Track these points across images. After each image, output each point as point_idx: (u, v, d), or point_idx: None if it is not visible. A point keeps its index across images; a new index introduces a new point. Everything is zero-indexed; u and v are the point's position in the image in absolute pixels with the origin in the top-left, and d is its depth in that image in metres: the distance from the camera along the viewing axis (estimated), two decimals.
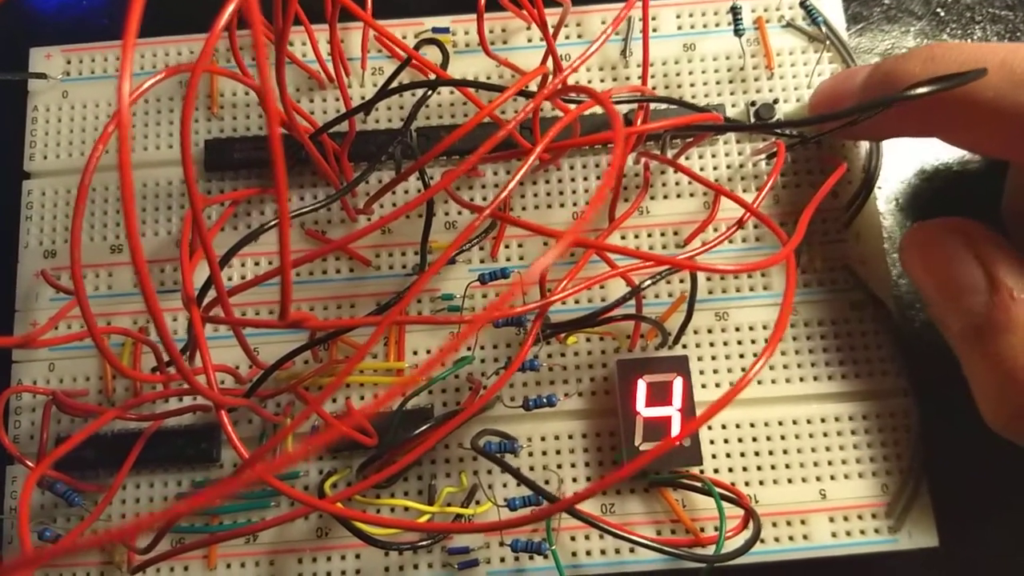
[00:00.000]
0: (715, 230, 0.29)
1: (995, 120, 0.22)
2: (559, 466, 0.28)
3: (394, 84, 0.27)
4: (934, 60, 0.23)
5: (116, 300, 0.29)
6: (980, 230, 0.24)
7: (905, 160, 0.31)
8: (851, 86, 0.27)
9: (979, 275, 0.24)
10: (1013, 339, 0.22)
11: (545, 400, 0.26)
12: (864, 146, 0.30)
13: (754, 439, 0.28)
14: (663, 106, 0.30)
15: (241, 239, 0.24)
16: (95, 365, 0.29)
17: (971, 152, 0.30)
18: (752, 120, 0.30)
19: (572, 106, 0.27)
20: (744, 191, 0.30)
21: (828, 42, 0.31)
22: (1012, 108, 0.22)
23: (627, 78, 0.31)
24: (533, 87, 0.29)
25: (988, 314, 0.23)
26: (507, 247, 0.30)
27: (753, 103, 0.30)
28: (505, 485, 0.27)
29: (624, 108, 0.29)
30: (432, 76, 0.28)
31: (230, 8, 0.19)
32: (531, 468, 0.28)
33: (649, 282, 0.25)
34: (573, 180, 0.30)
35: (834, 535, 0.27)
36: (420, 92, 0.28)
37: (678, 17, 0.31)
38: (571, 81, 0.29)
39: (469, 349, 0.28)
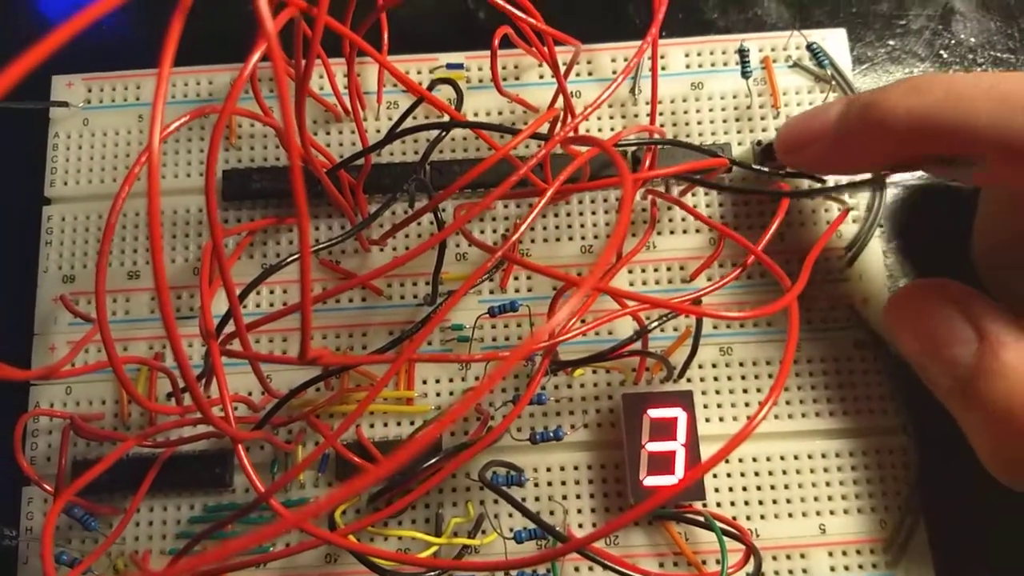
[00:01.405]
0: (720, 266, 0.30)
1: (990, 148, 0.22)
2: (564, 497, 0.28)
3: (408, 121, 0.27)
4: (916, 91, 0.23)
5: (133, 326, 0.30)
6: (956, 285, 0.25)
7: (907, 199, 0.32)
8: (824, 120, 0.26)
9: (962, 327, 0.24)
10: (1003, 384, 0.23)
11: (552, 434, 0.27)
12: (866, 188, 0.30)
13: (756, 474, 0.28)
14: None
15: (261, 272, 0.25)
16: (111, 389, 0.29)
17: (962, 183, 0.30)
18: (758, 159, 0.30)
19: (582, 149, 0.28)
20: (749, 228, 0.30)
21: (834, 82, 0.31)
22: (1007, 134, 0.21)
23: (636, 115, 0.32)
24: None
25: (976, 363, 0.23)
26: (516, 279, 0.30)
27: (759, 142, 0.31)
28: (511, 515, 0.28)
29: (632, 147, 0.30)
30: (445, 116, 0.29)
31: (255, 57, 0.20)
32: (537, 499, 0.28)
33: (656, 323, 0.26)
34: (582, 215, 0.31)
35: (833, 569, 0.27)
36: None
37: (686, 56, 0.32)
38: (582, 123, 0.29)
39: (477, 379, 0.29)
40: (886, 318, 0.27)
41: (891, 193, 0.30)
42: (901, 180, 0.31)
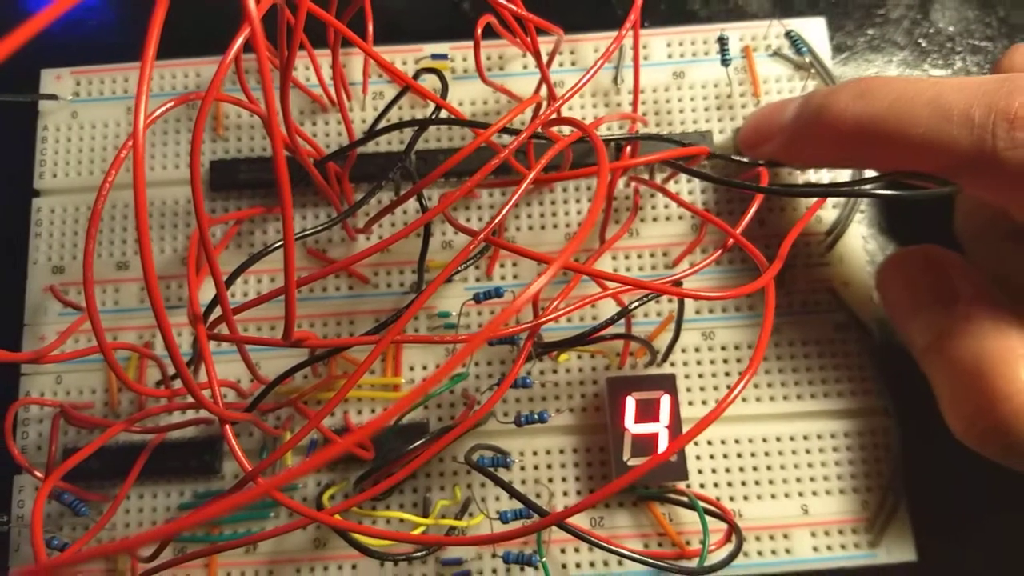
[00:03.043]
0: (702, 251, 0.30)
1: (929, 155, 0.23)
2: (550, 480, 0.28)
3: (393, 111, 0.28)
4: (864, 96, 0.24)
5: (122, 315, 0.30)
6: (939, 250, 0.26)
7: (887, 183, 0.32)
8: (780, 118, 0.27)
9: (941, 288, 0.25)
10: (974, 343, 0.23)
11: (537, 417, 0.27)
12: (847, 172, 0.31)
13: (739, 455, 0.29)
14: (655, 128, 0.32)
15: (247, 259, 0.25)
16: (101, 378, 0.30)
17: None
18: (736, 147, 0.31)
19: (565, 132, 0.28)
20: (731, 213, 0.31)
21: (813, 71, 0.32)
22: (944, 143, 0.22)
23: (618, 104, 0.32)
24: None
25: (951, 322, 0.24)
26: (502, 266, 0.31)
27: (739, 129, 0.31)
28: (498, 498, 0.28)
29: (616, 132, 0.31)
30: (431, 105, 0.29)
31: (238, 42, 0.20)
32: (523, 482, 0.28)
33: (637, 303, 0.26)
34: (565, 202, 0.31)
35: (815, 549, 0.28)
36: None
37: (668, 46, 0.33)
38: (564, 108, 0.30)
39: (464, 365, 0.29)
40: (877, 286, 0.28)
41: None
42: None
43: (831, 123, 0.24)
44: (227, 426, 0.22)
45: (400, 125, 0.27)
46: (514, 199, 0.21)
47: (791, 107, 0.27)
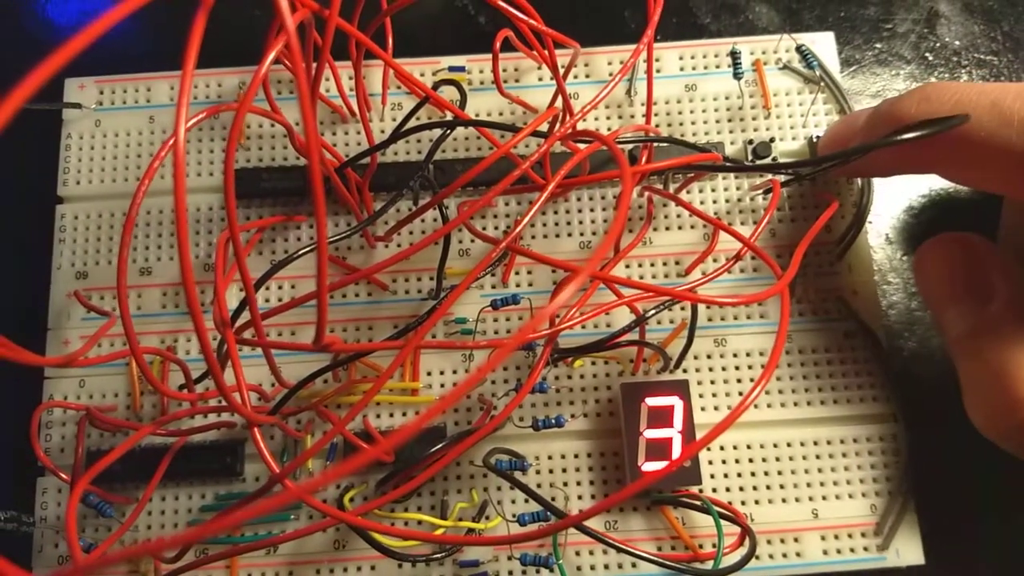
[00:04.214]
0: (715, 260, 0.31)
1: (989, 158, 0.24)
2: (566, 484, 0.29)
3: (412, 122, 0.28)
4: (928, 100, 0.25)
5: (145, 320, 0.31)
6: (979, 241, 0.26)
7: (895, 196, 0.33)
8: (854, 127, 0.28)
9: (983, 280, 0.25)
10: (1000, 345, 0.24)
11: (553, 421, 0.27)
12: (856, 183, 0.31)
13: (751, 460, 0.29)
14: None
15: (275, 264, 0.26)
16: (123, 382, 0.30)
17: (970, 187, 0.32)
18: (749, 158, 0.31)
19: (581, 145, 0.29)
20: (742, 224, 0.31)
21: (823, 84, 0.33)
22: (1004, 146, 0.23)
23: (632, 116, 0.33)
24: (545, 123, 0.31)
25: (989, 319, 0.24)
26: (517, 274, 0.31)
27: (751, 141, 0.32)
28: (514, 501, 0.29)
29: (629, 145, 0.31)
30: (449, 115, 0.30)
31: (272, 53, 0.21)
32: (539, 485, 0.29)
33: (653, 311, 0.27)
34: (580, 211, 0.32)
35: (825, 552, 0.28)
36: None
37: (680, 59, 0.33)
38: (580, 122, 0.30)
39: (492, 371, 0.29)
40: (916, 263, 0.28)
41: (879, 189, 0.31)
42: (888, 180, 0.33)
43: (896, 127, 0.25)
44: (255, 428, 0.22)
45: (428, 126, 0.27)
46: (535, 209, 0.22)
47: (863, 116, 0.27)
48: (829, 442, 0.29)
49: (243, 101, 0.21)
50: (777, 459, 0.29)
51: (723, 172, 0.31)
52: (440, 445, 0.26)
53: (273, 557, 0.28)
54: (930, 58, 0.35)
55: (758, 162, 0.31)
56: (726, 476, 0.29)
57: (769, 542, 0.28)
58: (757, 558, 0.28)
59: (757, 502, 0.29)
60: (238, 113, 0.20)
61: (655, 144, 0.31)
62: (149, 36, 0.36)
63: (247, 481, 0.29)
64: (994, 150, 0.23)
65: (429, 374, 0.30)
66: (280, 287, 0.31)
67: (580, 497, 0.29)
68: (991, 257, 0.26)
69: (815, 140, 0.32)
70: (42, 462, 0.28)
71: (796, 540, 0.28)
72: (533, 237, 0.32)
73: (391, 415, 0.30)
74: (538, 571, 0.28)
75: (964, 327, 0.25)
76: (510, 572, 0.28)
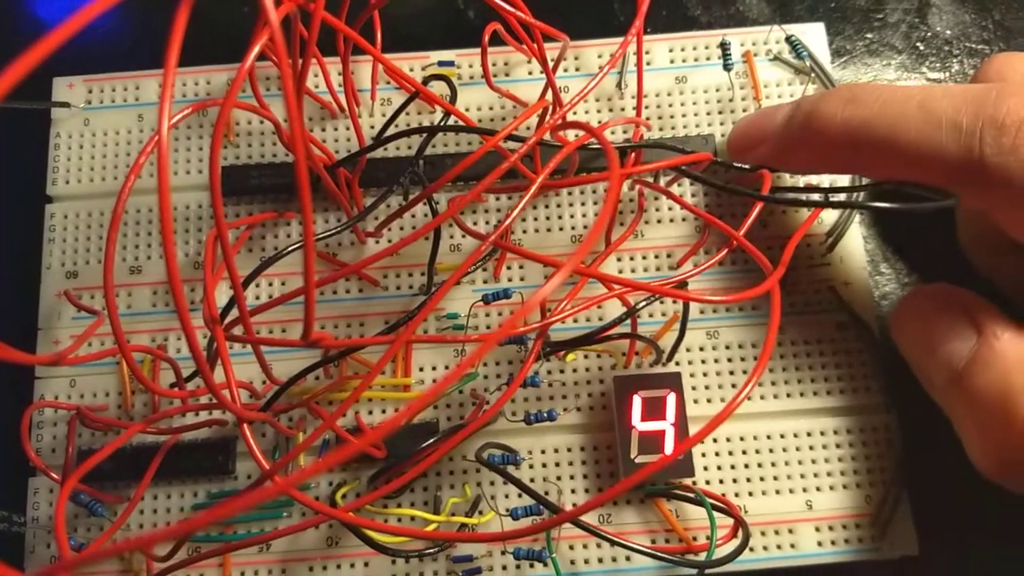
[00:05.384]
0: (706, 253, 0.31)
1: (917, 160, 0.23)
2: (559, 478, 0.29)
3: (401, 117, 0.28)
4: (854, 102, 0.24)
5: (135, 319, 0.31)
6: (954, 289, 0.26)
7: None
8: (770, 124, 0.27)
9: (960, 325, 0.24)
10: (995, 375, 0.23)
11: (546, 415, 0.27)
12: (846, 177, 0.31)
13: (744, 452, 0.29)
14: (658, 133, 0.32)
15: (264, 261, 0.26)
16: (114, 381, 0.30)
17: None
18: None
19: (571, 137, 0.29)
20: (733, 216, 0.31)
21: (813, 75, 0.32)
22: (933, 148, 0.22)
23: (622, 109, 0.33)
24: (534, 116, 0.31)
25: (972, 355, 0.24)
26: (509, 268, 0.31)
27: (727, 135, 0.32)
28: (507, 496, 0.29)
29: (620, 137, 0.31)
30: (439, 111, 0.29)
31: (256, 47, 0.21)
32: (532, 480, 0.29)
33: (643, 304, 0.27)
34: (571, 205, 0.32)
35: (819, 544, 0.28)
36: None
37: (670, 51, 0.33)
38: (568, 113, 0.30)
39: (473, 366, 0.29)
40: (892, 329, 0.28)
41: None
42: None
43: (820, 129, 0.25)
44: (245, 425, 0.22)
45: (410, 131, 0.28)
46: (524, 202, 0.22)
47: (780, 113, 0.27)
48: (822, 433, 0.29)
49: (228, 96, 0.20)
50: (770, 450, 0.29)
51: (707, 186, 0.31)
52: (432, 440, 0.26)
53: (266, 554, 0.28)
54: (921, 48, 0.35)
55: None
56: (719, 468, 0.29)
57: (763, 533, 0.28)
58: (751, 550, 0.28)
59: (751, 494, 0.29)
60: (223, 108, 0.20)
61: (647, 135, 0.31)
62: (137, 34, 0.35)
63: (239, 479, 0.29)
64: (922, 152, 0.23)
65: (421, 370, 0.30)
66: (271, 284, 0.31)
67: (573, 491, 0.29)
68: (966, 298, 0.25)
69: None
70: (33, 462, 0.28)
71: (790, 531, 0.28)
72: (524, 232, 0.32)
73: (383, 411, 0.30)
74: (532, 565, 0.28)
75: (951, 370, 0.24)
76: (504, 566, 0.28)
